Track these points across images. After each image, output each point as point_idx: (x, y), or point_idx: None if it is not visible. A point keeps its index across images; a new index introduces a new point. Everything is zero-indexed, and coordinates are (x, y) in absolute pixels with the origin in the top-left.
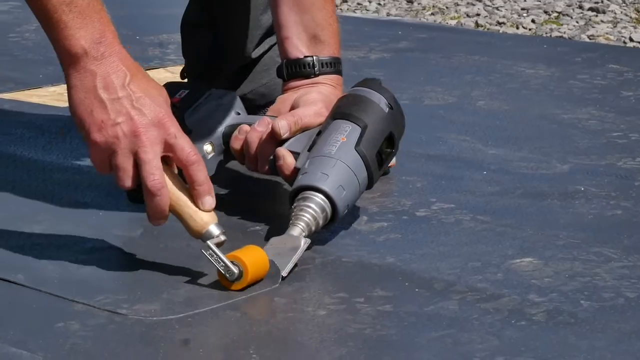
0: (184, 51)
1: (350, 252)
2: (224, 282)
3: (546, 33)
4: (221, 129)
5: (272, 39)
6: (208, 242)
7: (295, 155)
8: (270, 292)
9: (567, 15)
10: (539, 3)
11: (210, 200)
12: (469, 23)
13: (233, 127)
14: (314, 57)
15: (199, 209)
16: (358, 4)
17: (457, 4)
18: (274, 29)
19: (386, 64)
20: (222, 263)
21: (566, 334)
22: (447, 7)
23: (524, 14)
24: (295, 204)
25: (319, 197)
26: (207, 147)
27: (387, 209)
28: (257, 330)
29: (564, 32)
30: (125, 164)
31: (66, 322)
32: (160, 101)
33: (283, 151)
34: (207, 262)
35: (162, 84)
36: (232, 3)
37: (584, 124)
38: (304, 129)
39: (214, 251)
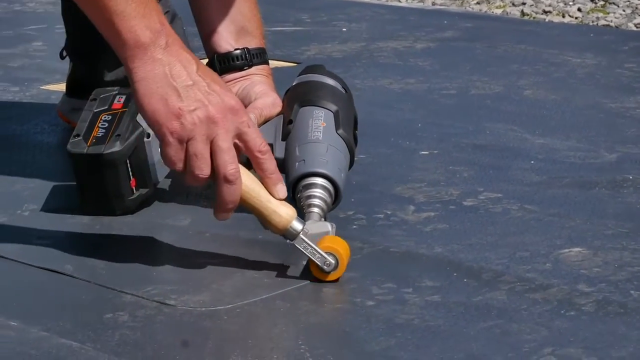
0: (66, 25)
1: (398, 242)
2: (318, 274)
3: (592, 22)
4: None
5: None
6: (301, 235)
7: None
8: (318, 283)
9: (614, 3)
10: None
11: (283, 189)
12: (515, 12)
13: None
14: (245, 49)
15: (275, 197)
16: None
17: None
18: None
19: (432, 54)
20: (318, 255)
21: (616, 324)
22: None
23: (570, 3)
24: (301, 192)
25: (324, 182)
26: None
27: (434, 198)
28: (305, 320)
29: (611, 21)
30: (204, 150)
31: (115, 313)
32: (227, 87)
33: None
34: (269, 252)
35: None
36: None
37: (631, 112)
38: (266, 121)
39: (308, 244)
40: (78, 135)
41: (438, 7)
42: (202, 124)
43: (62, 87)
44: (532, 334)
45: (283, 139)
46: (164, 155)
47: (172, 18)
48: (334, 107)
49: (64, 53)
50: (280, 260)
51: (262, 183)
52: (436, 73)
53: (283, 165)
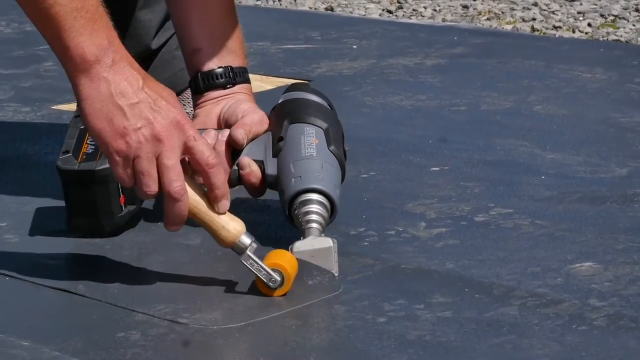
0: None
1: (409, 258)
2: (264, 290)
3: (603, 37)
4: None
5: (168, 32)
6: (248, 252)
7: (258, 162)
8: (330, 300)
9: (624, 18)
10: (595, 6)
11: (226, 204)
12: (525, 28)
13: None
14: (229, 68)
15: (215, 212)
16: (413, 10)
17: (512, 9)
18: (169, 22)
19: (442, 70)
20: (264, 272)
21: (627, 338)
22: (502, 12)
23: (580, 18)
24: (298, 208)
25: (320, 198)
26: None
27: (446, 214)
28: (317, 338)
29: (621, 36)
30: (151, 168)
31: (127, 332)
32: (174, 102)
33: (247, 160)
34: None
35: None
36: None
37: None
38: (254, 137)
39: (254, 260)
40: (67, 152)
41: (448, 23)
42: (147, 142)
43: (73, 107)
44: (544, 349)
45: (274, 156)
46: (113, 172)
47: (153, 55)
48: (324, 124)
49: None
50: (301, 279)
51: (208, 196)
52: (446, 89)
53: (276, 182)
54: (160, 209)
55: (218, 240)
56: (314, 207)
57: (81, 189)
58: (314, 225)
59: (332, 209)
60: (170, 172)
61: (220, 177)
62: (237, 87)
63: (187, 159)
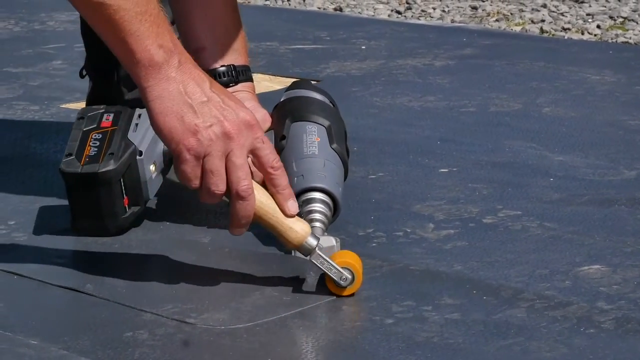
0: (86, 44)
1: (417, 260)
2: (334, 290)
3: (612, 39)
4: (160, 147)
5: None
6: (317, 251)
7: None
8: (338, 301)
9: (633, 20)
10: (604, 8)
11: (295, 205)
12: (534, 29)
13: None
14: (232, 66)
15: (285, 214)
16: (422, 11)
17: (521, 10)
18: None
19: (451, 71)
20: (334, 270)
21: (635, 342)
22: (511, 14)
23: (589, 20)
24: (301, 207)
25: (323, 196)
26: (151, 167)
27: (454, 216)
28: (324, 338)
29: (630, 38)
30: (220, 167)
31: (134, 332)
32: (241, 102)
33: (251, 159)
34: (288, 269)
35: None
36: None
37: None
38: None
39: (325, 259)
40: (70, 155)
41: (457, 24)
42: (218, 140)
43: (81, 105)
44: (552, 352)
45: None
46: (179, 172)
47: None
48: (326, 122)
49: (84, 72)
50: (300, 277)
51: (274, 199)
52: (455, 90)
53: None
54: (167, 208)
55: (285, 241)
56: (317, 206)
57: (85, 191)
58: (317, 224)
59: (335, 207)
60: (239, 170)
61: (285, 179)
62: (240, 86)
63: (251, 160)
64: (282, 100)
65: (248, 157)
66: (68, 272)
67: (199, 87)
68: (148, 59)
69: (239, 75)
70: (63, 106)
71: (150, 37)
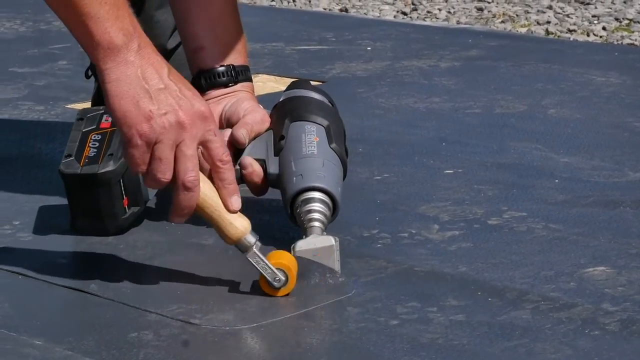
0: None
1: (422, 261)
2: (267, 290)
3: (617, 40)
4: None
5: None
6: (254, 249)
7: (260, 162)
8: (342, 302)
9: (639, 22)
10: (609, 10)
11: (238, 200)
12: (539, 31)
13: None
14: (231, 66)
15: (228, 209)
16: (428, 12)
17: (527, 12)
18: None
19: (456, 73)
20: (269, 270)
21: None
22: (517, 15)
23: (595, 21)
24: (300, 207)
25: (322, 196)
26: None
27: (459, 217)
28: (329, 340)
29: (635, 40)
30: (169, 155)
31: (139, 332)
32: (197, 93)
33: (249, 159)
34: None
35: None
36: None
37: None
38: (256, 136)
39: (261, 258)
40: (70, 156)
41: (463, 26)
42: (171, 129)
43: (87, 106)
44: (557, 354)
45: (276, 155)
46: (128, 156)
47: (169, 54)
48: (325, 122)
49: (89, 72)
50: (304, 277)
51: (219, 193)
52: (461, 92)
53: (278, 181)
54: (168, 209)
55: (224, 236)
56: (316, 206)
57: (84, 192)
58: (316, 224)
59: (334, 207)
60: (188, 161)
61: (232, 173)
62: (239, 86)
63: (200, 151)
64: (281, 100)
65: (198, 148)
66: (73, 272)
67: (157, 73)
68: (107, 41)
69: (239, 75)
70: (68, 106)
71: (110, 19)
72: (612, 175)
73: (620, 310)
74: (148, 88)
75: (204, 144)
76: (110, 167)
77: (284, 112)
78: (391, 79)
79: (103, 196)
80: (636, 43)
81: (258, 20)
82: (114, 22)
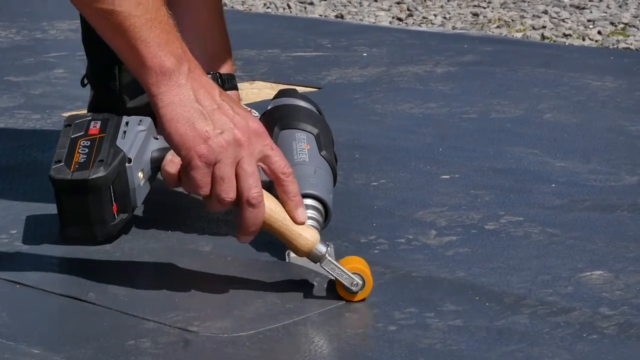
0: (87, 53)
1: (419, 266)
2: (345, 295)
3: (613, 44)
4: (148, 154)
5: None
6: (328, 257)
7: None
8: (340, 308)
9: (634, 26)
10: (605, 14)
11: (304, 212)
12: (535, 35)
13: (161, 152)
14: (217, 74)
15: (295, 221)
16: (423, 17)
17: (522, 17)
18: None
19: (452, 78)
20: (345, 276)
21: (638, 347)
22: (512, 20)
23: (590, 26)
24: None
25: (315, 203)
26: (140, 174)
27: (456, 222)
28: (327, 346)
29: (631, 44)
30: (231, 174)
31: (137, 340)
32: (249, 111)
33: None
34: (290, 276)
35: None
36: None
37: None
38: None
39: (336, 265)
40: (60, 162)
41: (458, 31)
42: (229, 147)
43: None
44: (555, 358)
45: None
46: (189, 179)
47: None
48: (315, 130)
49: (85, 80)
50: (302, 283)
51: (284, 206)
52: (457, 97)
53: (269, 188)
54: (168, 216)
55: (295, 249)
56: (309, 212)
57: (74, 198)
58: None
59: (326, 213)
60: (250, 178)
61: (295, 185)
62: None
63: (262, 167)
64: (269, 108)
65: (258, 165)
66: (70, 280)
67: (209, 95)
68: (159, 65)
69: (225, 83)
70: (65, 115)
71: (160, 44)
72: (608, 179)
73: (618, 314)
74: (202, 109)
75: (264, 160)
76: (101, 173)
77: (273, 120)
78: (387, 84)
79: (93, 202)
80: (632, 47)
81: (254, 27)
82: (164, 47)
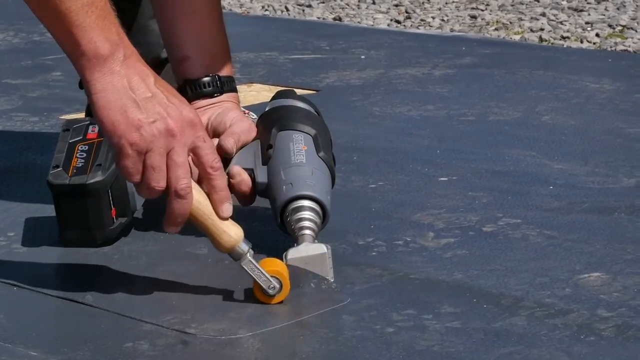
0: None
1: (417, 268)
2: (261, 297)
3: (611, 47)
4: None
5: None
6: (248, 257)
7: (248, 171)
8: (338, 310)
9: (632, 28)
10: (603, 17)
11: (230, 208)
12: (533, 38)
13: None
14: (216, 76)
15: (219, 216)
16: (421, 20)
17: (520, 19)
18: None
19: (450, 80)
20: (263, 277)
21: (636, 348)
22: (510, 22)
23: (588, 28)
24: (290, 215)
25: (312, 204)
26: None
27: (454, 224)
28: (325, 348)
29: (629, 46)
30: (161, 163)
31: (135, 343)
32: (185, 100)
33: (238, 169)
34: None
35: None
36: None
37: None
38: (243, 146)
39: (255, 265)
40: (57, 166)
41: (456, 33)
42: (161, 136)
43: (81, 116)
44: None
45: (264, 164)
46: (120, 166)
47: (163, 64)
48: (312, 131)
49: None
50: (299, 286)
51: (210, 200)
52: (455, 99)
53: (266, 190)
54: (162, 219)
55: (217, 244)
56: (307, 214)
57: (73, 202)
58: (307, 232)
59: (324, 215)
60: (180, 169)
61: (223, 180)
62: (225, 96)
63: (191, 158)
64: (266, 109)
65: (189, 155)
66: (68, 283)
67: (143, 82)
68: (93, 51)
69: (224, 85)
70: (62, 117)
71: (96, 29)
72: (606, 181)
73: (616, 316)
74: (135, 97)
75: (194, 151)
76: (99, 177)
77: (271, 121)
78: (385, 87)
79: (91, 206)
80: (629, 49)
81: (252, 29)
82: (100, 32)
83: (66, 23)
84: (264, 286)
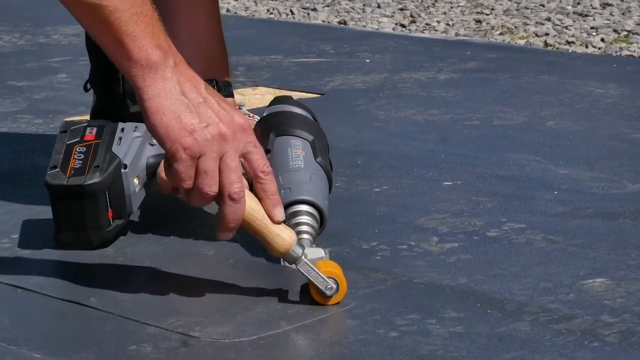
0: (90, 58)
1: (421, 273)
2: (318, 299)
3: (616, 52)
4: (143, 161)
5: None
6: (304, 259)
7: (245, 176)
8: (342, 314)
9: (637, 33)
10: (608, 22)
11: (282, 211)
12: (538, 42)
13: (156, 158)
14: (214, 81)
15: (273, 220)
16: (426, 24)
17: (525, 24)
18: None
19: (455, 85)
20: (320, 279)
21: None
22: (515, 27)
23: (593, 33)
24: (288, 220)
25: (310, 209)
26: (135, 181)
27: (458, 229)
28: (329, 352)
29: (634, 51)
30: (214, 168)
31: (139, 345)
32: (235, 107)
33: None
34: (292, 281)
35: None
36: None
37: None
38: None
39: (311, 267)
40: (55, 167)
41: (461, 38)
42: (214, 141)
43: (86, 119)
44: None
45: None
46: (172, 172)
47: None
48: (310, 137)
49: (88, 85)
50: (304, 289)
51: (262, 204)
52: (459, 104)
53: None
54: (171, 221)
55: (272, 248)
56: (304, 218)
57: (70, 203)
58: (305, 236)
59: (322, 220)
60: (233, 173)
61: (274, 185)
62: None
63: (242, 163)
64: (264, 115)
65: (240, 160)
66: (72, 285)
67: (195, 88)
68: (145, 58)
69: (221, 90)
70: (67, 119)
71: (147, 37)
72: (611, 186)
73: (620, 322)
74: (188, 102)
75: (245, 156)
76: (97, 178)
77: (269, 126)
78: (390, 91)
79: (88, 208)
80: (635, 54)
81: (257, 33)
82: (150, 40)
83: (116, 32)
84: (321, 287)
